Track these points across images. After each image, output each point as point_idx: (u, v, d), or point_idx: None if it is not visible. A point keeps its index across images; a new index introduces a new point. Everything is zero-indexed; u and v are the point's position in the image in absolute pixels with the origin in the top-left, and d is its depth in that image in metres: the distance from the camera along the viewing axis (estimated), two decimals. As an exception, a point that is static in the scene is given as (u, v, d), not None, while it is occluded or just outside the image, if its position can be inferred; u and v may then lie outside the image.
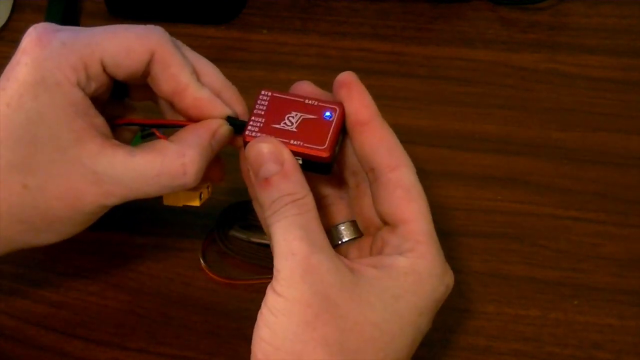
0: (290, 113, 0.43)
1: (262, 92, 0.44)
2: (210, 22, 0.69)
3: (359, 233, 0.46)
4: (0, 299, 0.52)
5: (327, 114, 0.43)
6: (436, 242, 0.42)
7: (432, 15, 0.69)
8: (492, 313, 0.52)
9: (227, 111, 0.44)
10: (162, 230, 0.56)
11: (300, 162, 0.42)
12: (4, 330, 0.51)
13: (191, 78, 0.44)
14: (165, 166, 0.42)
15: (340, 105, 0.43)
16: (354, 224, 0.46)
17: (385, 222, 0.43)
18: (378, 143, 0.42)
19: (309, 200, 0.41)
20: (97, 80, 0.43)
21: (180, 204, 0.47)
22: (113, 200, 0.43)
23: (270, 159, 0.41)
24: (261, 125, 0.43)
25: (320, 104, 0.43)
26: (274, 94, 0.44)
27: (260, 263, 0.53)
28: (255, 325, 0.40)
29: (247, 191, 0.45)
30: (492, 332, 0.51)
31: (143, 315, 0.52)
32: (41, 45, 0.42)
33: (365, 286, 0.40)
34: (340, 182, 0.47)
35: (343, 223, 0.46)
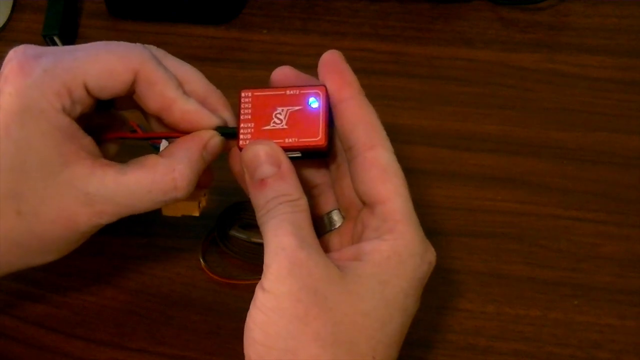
0: (276, 109, 0.43)
1: (243, 94, 0.43)
2: (210, 22, 0.69)
3: None
4: (0, 299, 0.52)
5: (312, 100, 0.42)
6: (414, 221, 0.41)
7: (432, 15, 0.69)
8: (492, 313, 0.52)
9: (216, 121, 0.44)
10: (162, 230, 0.56)
11: (299, 154, 0.42)
12: (4, 330, 0.51)
13: (177, 92, 0.44)
14: (156, 182, 0.43)
15: (323, 87, 0.43)
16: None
17: (364, 203, 0.43)
18: (356, 121, 0.42)
19: (303, 202, 0.41)
20: (81, 103, 0.43)
21: (179, 214, 0.47)
22: (107, 218, 0.43)
23: (267, 161, 0.41)
24: (252, 130, 0.43)
25: (301, 91, 0.43)
26: (255, 93, 0.43)
27: (260, 263, 0.53)
28: (245, 327, 0.40)
29: (245, 191, 0.45)
30: (492, 332, 0.51)
31: (143, 315, 0.52)
32: (23, 73, 0.42)
33: (353, 277, 0.40)
34: (329, 170, 0.47)
35: (334, 210, 0.46)
